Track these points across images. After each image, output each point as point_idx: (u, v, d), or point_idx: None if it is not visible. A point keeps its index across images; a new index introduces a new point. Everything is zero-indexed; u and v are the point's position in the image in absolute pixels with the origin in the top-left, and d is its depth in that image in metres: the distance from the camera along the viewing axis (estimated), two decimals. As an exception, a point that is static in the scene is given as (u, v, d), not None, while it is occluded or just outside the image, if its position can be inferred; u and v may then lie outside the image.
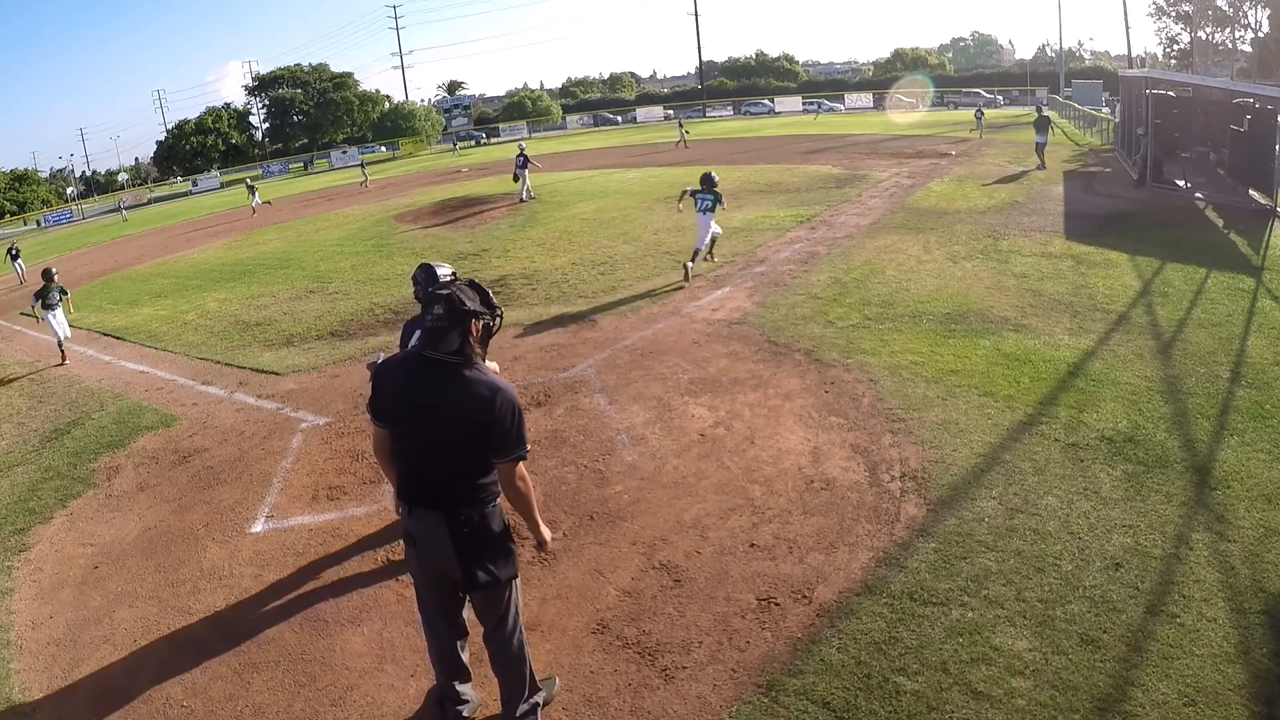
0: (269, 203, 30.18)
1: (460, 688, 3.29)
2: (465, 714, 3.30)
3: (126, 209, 44.93)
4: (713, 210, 10.21)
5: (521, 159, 20.07)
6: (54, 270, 11.01)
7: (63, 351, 10.43)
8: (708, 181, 10.28)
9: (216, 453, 6.47)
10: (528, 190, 20.03)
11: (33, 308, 10.47)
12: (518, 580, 3.08)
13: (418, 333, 3.67)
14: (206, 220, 30.31)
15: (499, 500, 2.93)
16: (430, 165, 41.51)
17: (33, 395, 8.99)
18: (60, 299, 10.58)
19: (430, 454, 2.83)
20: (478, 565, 2.88)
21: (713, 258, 10.81)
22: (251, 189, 30.12)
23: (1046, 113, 20.24)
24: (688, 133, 34.13)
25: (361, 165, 36.71)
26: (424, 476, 2.87)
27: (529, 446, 2.89)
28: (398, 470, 2.95)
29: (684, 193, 10.59)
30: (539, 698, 3.25)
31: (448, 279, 3.92)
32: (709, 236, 10.33)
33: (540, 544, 3.09)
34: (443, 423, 2.77)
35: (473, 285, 2.87)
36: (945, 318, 7.73)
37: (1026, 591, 3.72)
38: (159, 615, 4.35)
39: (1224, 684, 3.11)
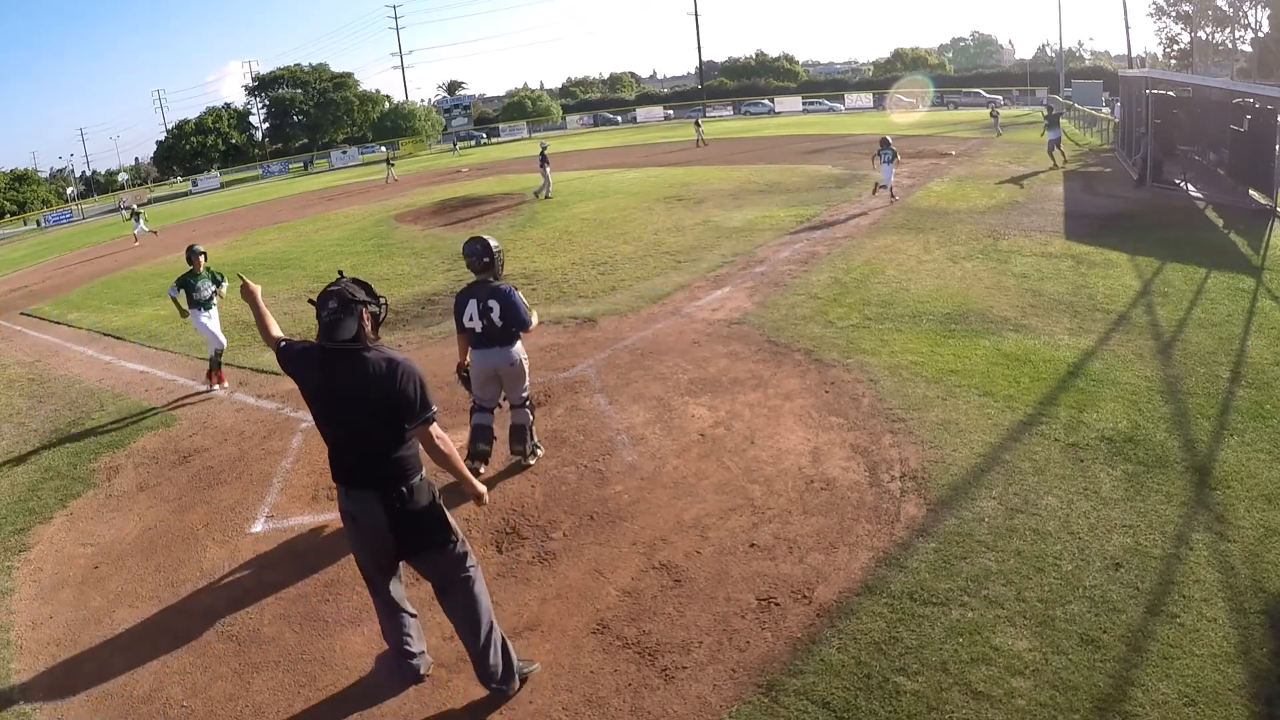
0: (155, 232, 25.47)
1: (410, 648, 3.58)
2: (421, 670, 3.60)
3: (127, 208, 44.78)
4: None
5: (543, 156, 20.03)
6: (201, 249, 8.17)
7: (218, 368, 8.05)
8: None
9: (216, 453, 6.48)
10: (548, 188, 19.87)
11: (174, 299, 8.05)
12: (461, 542, 3.31)
13: (470, 302, 4.88)
14: (207, 220, 30.30)
15: (424, 472, 3.21)
16: (430, 165, 41.50)
17: (33, 395, 8.98)
18: (215, 291, 8.09)
19: (353, 435, 3.08)
20: (412, 534, 3.18)
21: None
22: (135, 215, 25.68)
23: (1056, 111, 20.49)
24: (704, 132, 34.36)
25: (388, 161, 36.42)
26: (352, 458, 3.11)
27: (436, 408, 3.14)
28: (329, 454, 3.19)
29: None
30: (516, 669, 3.45)
31: (494, 248, 4.99)
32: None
33: (476, 498, 3.34)
34: (356, 404, 3.02)
35: (357, 281, 3.19)
36: (945, 318, 7.73)
37: (1026, 591, 3.72)
38: (159, 615, 4.35)
39: (1224, 684, 3.11)
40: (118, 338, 11.32)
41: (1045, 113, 21.17)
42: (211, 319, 8.06)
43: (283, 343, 3.34)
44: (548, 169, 19.97)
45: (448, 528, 3.24)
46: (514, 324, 5.03)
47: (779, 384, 6.49)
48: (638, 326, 8.44)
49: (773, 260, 10.82)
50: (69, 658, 4.09)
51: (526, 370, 5.28)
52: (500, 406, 5.43)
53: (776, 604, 3.85)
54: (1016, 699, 3.14)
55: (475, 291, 5.08)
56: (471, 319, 5.04)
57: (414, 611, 3.61)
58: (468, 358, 5.24)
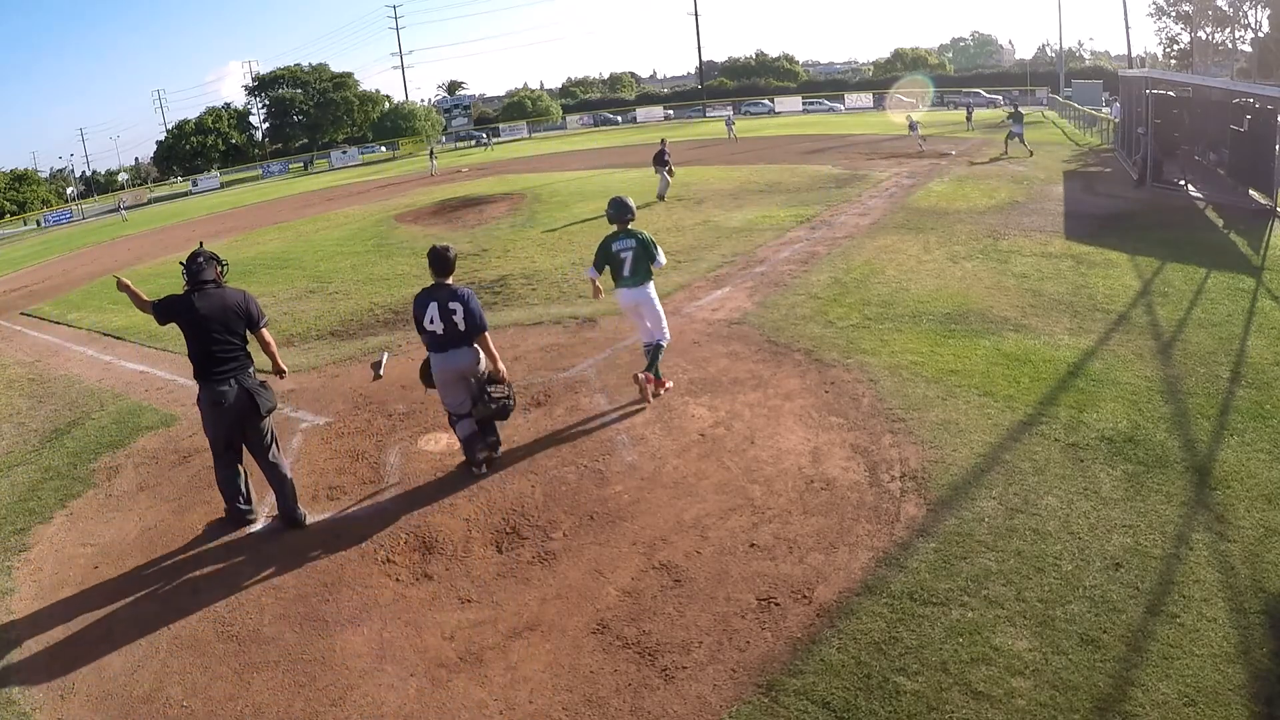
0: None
1: (244, 506, 5.03)
2: (250, 519, 5.02)
3: (126, 209, 44.74)
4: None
5: (663, 154, 17.40)
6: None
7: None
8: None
9: (216, 453, 6.47)
10: (665, 190, 17.23)
11: None
12: (272, 417, 4.89)
13: (430, 305, 5.17)
14: (206, 220, 30.31)
15: (253, 368, 4.79)
16: (430, 165, 41.45)
17: (33, 395, 8.98)
18: None
19: (217, 342, 4.61)
20: (252, 407, 4.70)
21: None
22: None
23: (1021, 109, 23.32)
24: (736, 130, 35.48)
25: (431, 154, 36.54)
26: (217, 358, 4.62)
27: (267, 315, 4.91)
28: (198, 359, 4.63)
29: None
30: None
31: (454, 254, 5.46)
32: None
33: (279, 373, 5.09)
34: (218, 320, 4.62)
35: (214, 255, 4.89)
36: (945, 318, 7.73)
37: (1026, 591, 3.72)
38: (159, 615, 4.35)
39: (1224, 684, 3.11)
40: (118, 338, 11.32)
41: (1010, 110, 23.46)
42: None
43: (157, 301, 4.68)
44: (666, 169, 17.24)
45: (269, 401, 4.78)
46: (475, 327, 5.15)
47: (779, 384, 6.49)
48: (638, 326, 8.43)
49: (773, 260, 10.82)
50: (69, 658, 4.09)
51: (485, 371, 5.35)
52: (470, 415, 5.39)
53: (776, 604, 3.85)
54: (1016, 699, 3.14)
55: (435, 294, 5.18)
56: (433, 321, 5.12)
57: (246, 470, 5.01)
58: (431, 372, 5.34)
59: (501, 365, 5.25)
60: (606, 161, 29.12)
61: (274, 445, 4.91)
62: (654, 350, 6.39)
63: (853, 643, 3.53)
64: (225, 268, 4.89)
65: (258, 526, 5.13)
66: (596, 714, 3.34)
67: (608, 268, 6.36)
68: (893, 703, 3.19)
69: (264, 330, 4.84)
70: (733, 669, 3.47)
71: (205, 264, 4.77)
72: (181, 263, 4.81)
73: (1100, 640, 3.39)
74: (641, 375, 6.28)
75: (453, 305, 5.12)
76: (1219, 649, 3.28)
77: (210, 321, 4.58)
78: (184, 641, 4.10)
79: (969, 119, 30.66)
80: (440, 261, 5.26)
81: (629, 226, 6.31)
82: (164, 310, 4.64)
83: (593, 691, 3.45)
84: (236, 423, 4.71)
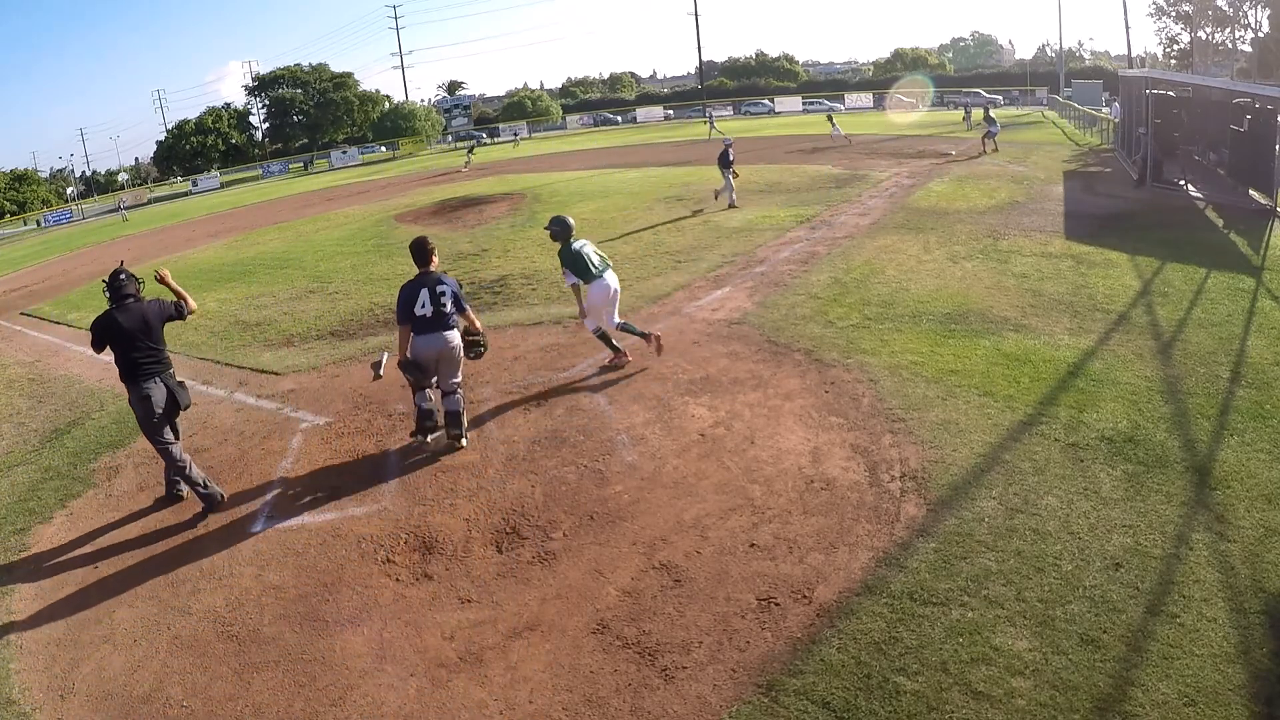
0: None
1: (209, 489, 5.45)
2: (220, 499, 5.48)
3: (126, 209, 44.68)
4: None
5: (727, 155, 15.73)
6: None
7: None
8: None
9: (216, 453, 6.47)
10: (731, 194, 15.64)
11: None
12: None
13: (421, 291, 5.68)
14: (206, 220, 30.31)
15: (173, 370, 5.44)
16: (430, 165, 41.50)
17: (33, 395, 8.98)
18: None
19: (141, 350, 5.20)
20: (180, 399, 5.38)
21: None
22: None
23: (993, 112, 25.13)
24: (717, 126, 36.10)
25: (469, 148, 36.43)
26: (141, 365, 5.21)
27: (187, 306, 5.53)
28: (125, 365, 5.20)
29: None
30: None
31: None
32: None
33: (161, 278, 5.53)
34: (141, 332, 5.21)
35: (132, 274, 5.41)
36: (945, 318, 7.73)
37: (1026, 591, 3.73)
38: (159, 615, 4.36)
39: (1224, 684, 3.11)
40: (118, 338, 11.30)
41: (983, 112, 25.67)
42: None
43: (92, 334, 5.28)
44: (730, 171, 15.65)
45: (186, 399, 5.49)
46: (461, 308, 5.83)
47: (779, 384, 6.49)
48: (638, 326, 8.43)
49: (773, 260, 10.82)
50: (69, 658, 4.09)
51: (460, 357, 5.88)
52: (434, 387, 5.97)
53: (776, 604, 3.85)
54: (1016, 699, 3.14)
55: (424, 281, 5.73)
56: (423, 305, 5.65)
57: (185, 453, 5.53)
58: (409, 351, 5.76)
59: (479, 323, 6.14)
60: (606, 161, 29.12)
61: (176, 431, 5.55)
62: (625, 325, 7.17)
63: (853, 643, 3.53)
64: (142, 284, 5.49)
65: (220, 514, 5.41)
66: (596, 714, 3.34)
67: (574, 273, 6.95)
68: (893, 703, 3.19)
69: (181, 308, 5.51)
70: (733, 669, 3.48)
71: (126, 281, 5.34)
72: (104, 281, 5.40)
73: (1100, 640, 3.39)
74: (653, 334, 7.07)
75: (441, 289, 5.70)
76: (1219, 649, 3.28)
77: (133, 333, 5.19)
78: (184, 641, 4.11)
79: (967, 118, 31.00)
80: (421, 251, 5.85)
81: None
82: (97, 338, 5.25)
83: (593, 691, 3.45)
84: (164, 416, 5.34)
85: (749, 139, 31.75)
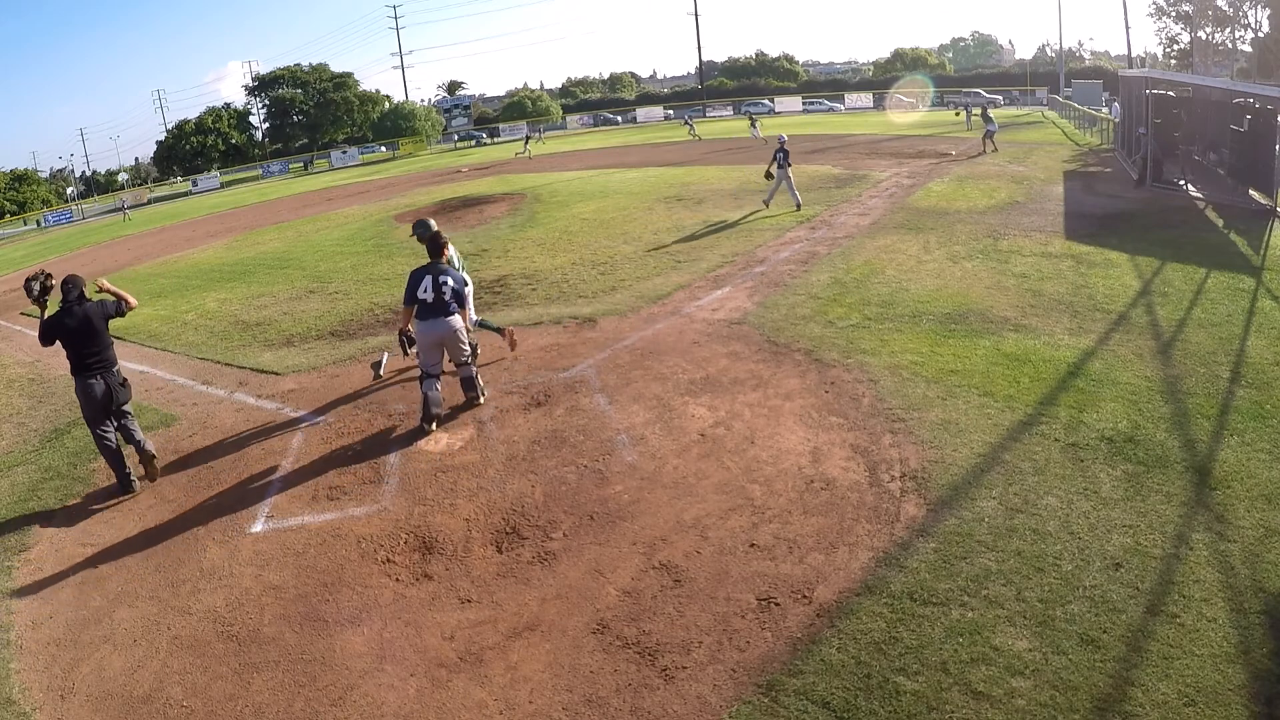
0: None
1: (128, 474, 5.93)
2: (133, 487, 5.93)
3: (129, 208, 44.55)
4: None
5: (783, 152, 14.38)
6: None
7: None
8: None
9: (216, 453, 6.47)
10: (795, 197, 14.41)
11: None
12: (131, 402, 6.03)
13: (425, 278, 6.22)
14: (206, 220, 30.30)
15: (118, 367, 5.93)
16: (430, 165, 41.50)
17: (33, 395, 8.98)
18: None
19: (87, 349, 5.74)
20: (117, 395, 5.83)
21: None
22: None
23: (990, 112, 25.16)
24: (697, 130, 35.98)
25: (526, 139, 36.39)
26: (87, 362, 5.74)
27: (127, 304, 6.05)
28: (74, 360, 5.74)
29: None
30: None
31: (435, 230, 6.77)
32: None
33: (124, 299, 6.07)
34: (85, 333, 5.74)
35: (79, 281, 5.96)
36: (945, 318, 7.73)
37: (1026, 591, 3.73)
38: (159, 615, 4.35)
39: (1224, 684, 3.11)
40: (118, 338, 11.23)
41: (980, 110, 26.28)
42: None
43: (40, 330, 5.82)
44: (788, 171, 14.32)
45: (125, 395, 5.92)
46: (461, 296, 6.36)
47: (779, 384, 6.49)
48: (638, 326, 8.44)
49: (773, 260, 10.82)
50: (69, 658, 4.09)
51: (463, 337, 6.33)
52: (444, 372, 6.50)
53: (776, 604, 3.85)
54: (1016, 699, 3.14)
55: (430, 270, 6.27)
56: (425, 291, 6.17)
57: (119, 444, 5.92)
58: (410, 325, 6.42)
59: (472, 314, 6.77)
60: (606, 161, 29.12)
61: (130, 418, 6.05)
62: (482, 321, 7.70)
63: (853, 643, 3.53)
64: (84, 288, 6.03)
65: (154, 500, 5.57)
66: (596, 714, 3.34)
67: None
68: (893, 703, 3.19)
69: (121, 307, 6.04)
70: (733, 669, 3.48)
71: (73, 287, 5.92)
72: (56, 283, 6.04)
73: (1100, 640, 3.39)
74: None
75: (443, 279, 6.22)
76: (1219, 649, 3.28)
77: (79, 334, 5.74)
78: (184, 641, 4.11)
79: (967, 118, 31.07)
80: (434, 243, 6.47)
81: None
82: (46, 335, 5.80)
83: (593, 691, 3.45)
84: (104, 407, 5.83)
85: (749, 139, 31.76)
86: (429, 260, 6.42)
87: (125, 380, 5.99)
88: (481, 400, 6.69)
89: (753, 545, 4.34)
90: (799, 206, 14.35)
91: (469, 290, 6.82)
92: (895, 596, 3.79)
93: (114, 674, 3.92)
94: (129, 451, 6.01)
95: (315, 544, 4.86)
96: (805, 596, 3.88)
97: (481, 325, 7.61)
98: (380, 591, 4.34)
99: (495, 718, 3.38)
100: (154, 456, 6.05)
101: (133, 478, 5.96)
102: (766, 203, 14.71)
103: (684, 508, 4.79)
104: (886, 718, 3.13)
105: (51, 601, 4.62)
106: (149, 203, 53.67)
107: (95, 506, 5.82)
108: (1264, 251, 9.57)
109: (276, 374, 8.36)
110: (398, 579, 4.43)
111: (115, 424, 5.92)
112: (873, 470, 4.98)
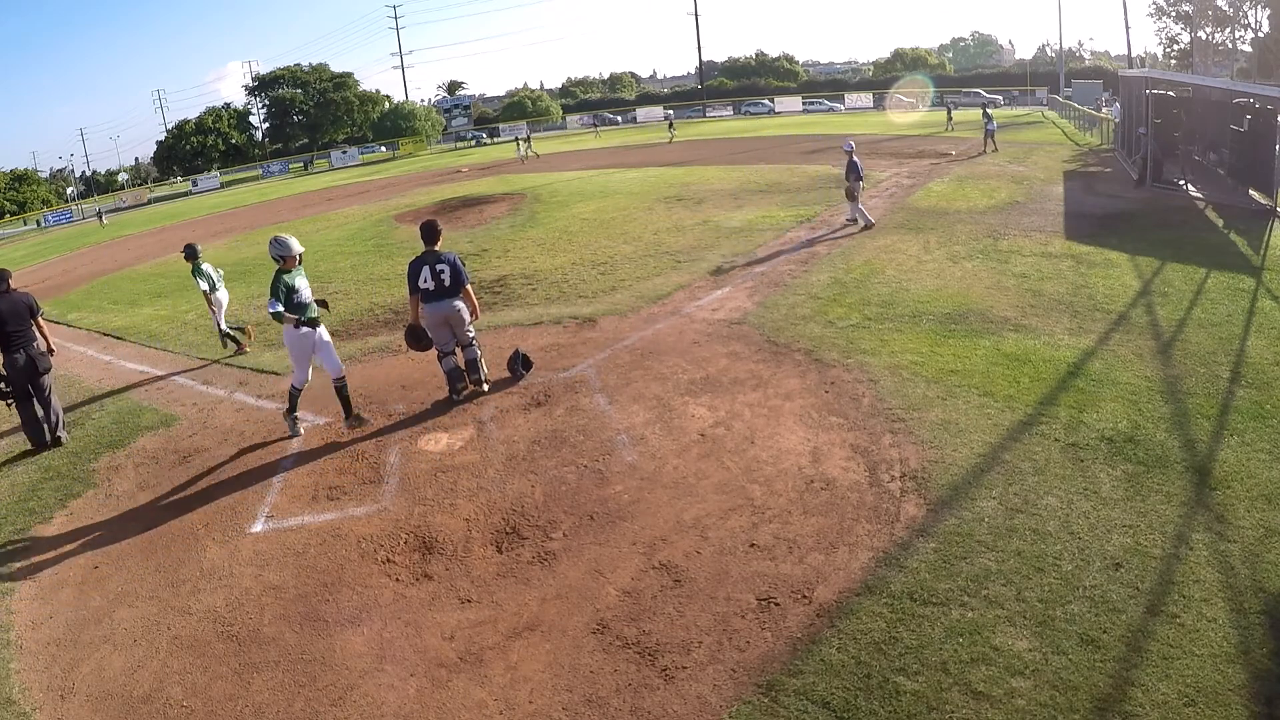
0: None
1: (43, 439, 7.06)
2: (44, 446, 7.04)
3: (105, 213, 44.51)
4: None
5: (853, 163, 12.49)
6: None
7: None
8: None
9: (216, 453, 6.48)
10: (862, 213, 12.50)
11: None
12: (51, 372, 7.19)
13: (424, 268, 6.46)
14: (206, 220, 30.30)
15: (36, 343, 7.10)
16: (430, 165, 41.50)
17: (33, 395, 8.97)
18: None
19: (13, 329, 6.91)
20: (37, 368, 6.98)
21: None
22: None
23: (991, 111, 25.02)
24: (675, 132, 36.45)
25: (528, 139, 36.54)
26: (13, 339, 6.89)
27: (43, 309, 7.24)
28: (3, 338, 6.84)
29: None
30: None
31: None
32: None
33: (50, 351, 7.27)
34: (13, 316, 6.91)
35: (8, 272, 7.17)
36: (945, 318, 7.73)
37: (1026, 591, 3.72)
38: (159, 615, 4.35)
39: (1224, 684, 3.11)
40: (118, 338, 11.32)
41: (982, 110, 26.02)
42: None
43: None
44: (861, 184, 12.77)
45: (45, 364, 7.06)
46: (460, 283, 6.53)
47: (779, 384, 6.49)
48: (638, 326, 8.44)
49: (773, 260, 10.82)
50: (69, 658, 4.09)
51: (466, 317, 6.63)
52: (455, 352, 6.74)
53: (776, 604, 3.85)
54: (1016, 699, 3.14)
55: (427, 259, 6.49)
56: (425, 280, 6.43)
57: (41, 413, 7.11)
58: (420, 319, 6.55)
59: (477, 309, 6.82)
60: (606, 162, 29.12)
61: (50, 391, 7.14)
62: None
63: (853, 643, 3.53)
64: (9, 277, 7.11)
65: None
66: (596, 714, 3.34)
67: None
68: (893, 703, 3.19)
69: (40, 319, 7.21)
70: (733, 669, 3.47)
71: (1, 279, 6.99)
72: None
73: (1100, 640, 3.39)
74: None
75: (440, 267, 6.44)
76: (1219, 649, 3.28)
77: (8, 316, 6.90)
78: (184, 641, 4.11)
79: (949, 119, 31.15)
80: (430, 231, 6.63)
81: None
82: None
83: (593, 691, 3.45)
84: (27, 378, 6.94)
85: (749, 139, 31.80)
86: (425, 249, 6.59)
87: (44, 352, 7.13)
88: (485, 387, 6.89)
89: (753, 545, 4.34)
90: (869, 225, 12.40)
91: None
92: (895, 596, 3.79)
93: (114, 674, 3.92)
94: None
95: (315, 544, 4.86)
96: (805, 596, 3.88)
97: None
98: (380, 591, 4.34)
99: (495, 718, 3.38)
100: (61, 424, 7.20)
101: (46, 439, 7.07)
102: (867, 223, 12.42)
103: (684, 508, 4.79)
104: (886, 718, 3.13)
105: (51, 601, 4.62)
106: (149, 203, 53.67)
107: (95, 506, 5.82)
108: (1264, 251, 9.57)
109: (276, 374, 8.36)
110: (398, 579, 4.43)
111: (39, 394, 7.04)
112: (873, 470, 4.98)
